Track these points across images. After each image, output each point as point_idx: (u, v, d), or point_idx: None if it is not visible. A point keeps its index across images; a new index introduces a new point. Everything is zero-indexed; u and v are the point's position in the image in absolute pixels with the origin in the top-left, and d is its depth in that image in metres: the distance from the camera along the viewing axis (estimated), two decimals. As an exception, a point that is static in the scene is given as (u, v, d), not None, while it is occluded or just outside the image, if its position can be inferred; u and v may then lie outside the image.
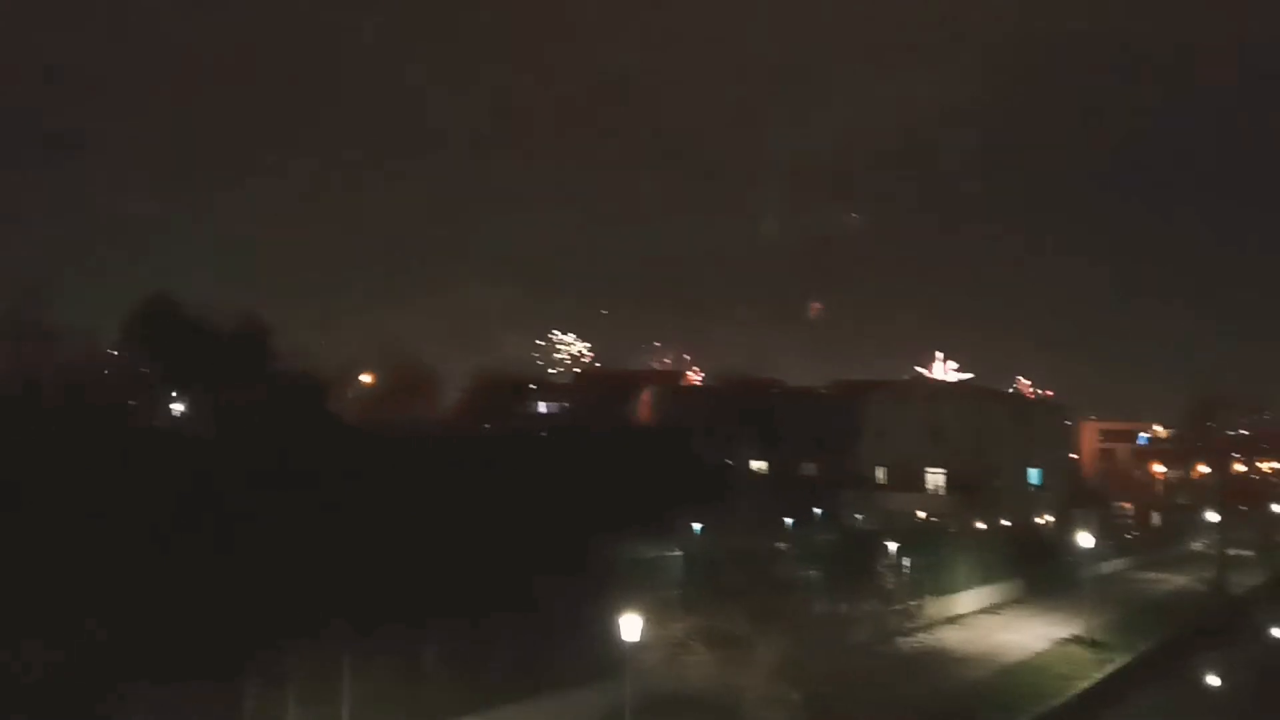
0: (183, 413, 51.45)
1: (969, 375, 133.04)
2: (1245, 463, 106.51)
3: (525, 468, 52.10)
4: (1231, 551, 74.86)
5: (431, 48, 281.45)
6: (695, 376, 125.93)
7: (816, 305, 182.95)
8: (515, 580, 35.51)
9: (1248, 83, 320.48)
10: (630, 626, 27.18)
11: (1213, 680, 49.41)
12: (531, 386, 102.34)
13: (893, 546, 50.29)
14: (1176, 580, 72.30)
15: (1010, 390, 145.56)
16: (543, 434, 76.21)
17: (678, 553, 47.02)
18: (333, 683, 24.28)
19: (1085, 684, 40.89)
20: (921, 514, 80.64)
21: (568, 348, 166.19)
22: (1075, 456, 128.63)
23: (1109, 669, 43.59)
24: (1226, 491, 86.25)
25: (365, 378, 69.50)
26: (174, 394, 51.62)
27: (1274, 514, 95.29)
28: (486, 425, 72.29)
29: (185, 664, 22.75)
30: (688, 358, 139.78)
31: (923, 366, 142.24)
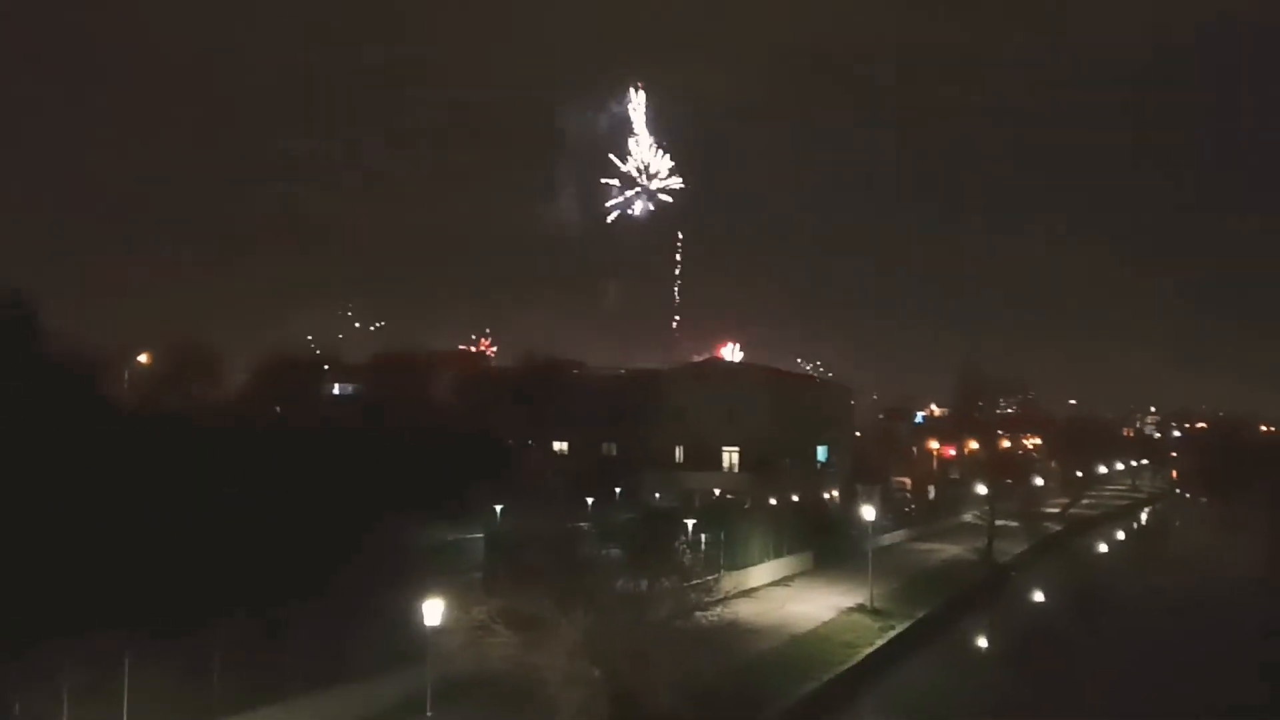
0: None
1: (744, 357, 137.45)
2: (1011, 439, 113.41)
3: (316, 452, 50.48)
4: (999, 522, 79.26)
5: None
6: (496, 357, 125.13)
7: (611, 287, 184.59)
8: (307, 570, 34.37)
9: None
10: (431, 611, 26.80)
11: (981, 640, 52.97)
12: (325, 367, 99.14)
13: (690, 523, 51.39)
14: (950, 550, 76.26)
15: (799, 372, 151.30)
16: (334, 418, 74.00)
17: (479, 535, 46.69)
18: (111, 681, 22.85)
19: (868, 650, 42.94)
20: (718, 491, 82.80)
21: (361, 326, 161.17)
22: (859, 434, 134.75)
23: (890, 635, 45.86)
24: (994, 466, 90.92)
25: (143, 358, 65.70)
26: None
27: (1036, 487, 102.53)
28: (277, 408, 69.69)
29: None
30: (488, 338, 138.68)
31: (719, 348, 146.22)
